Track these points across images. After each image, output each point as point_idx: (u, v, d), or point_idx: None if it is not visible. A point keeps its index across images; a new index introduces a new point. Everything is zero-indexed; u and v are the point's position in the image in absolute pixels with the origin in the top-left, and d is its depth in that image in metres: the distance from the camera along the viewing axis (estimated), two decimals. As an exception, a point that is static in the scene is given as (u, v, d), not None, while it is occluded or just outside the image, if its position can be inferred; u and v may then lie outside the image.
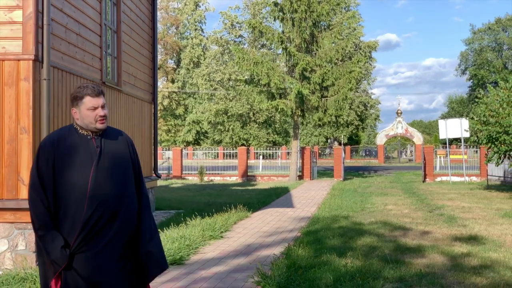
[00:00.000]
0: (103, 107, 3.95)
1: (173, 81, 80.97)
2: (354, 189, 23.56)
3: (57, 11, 8.91)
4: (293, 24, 29.64)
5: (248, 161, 33.97)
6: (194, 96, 78.34)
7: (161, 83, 79.09)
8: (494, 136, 19.07)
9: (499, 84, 20.77)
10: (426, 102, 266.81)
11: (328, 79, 28.93)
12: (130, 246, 3.95)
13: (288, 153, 37.07)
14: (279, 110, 29.91)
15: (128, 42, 13.32)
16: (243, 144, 67.25)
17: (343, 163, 32.81)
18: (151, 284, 4.20)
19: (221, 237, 11.20)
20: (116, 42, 12.57)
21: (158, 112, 63.80)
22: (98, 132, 3.96)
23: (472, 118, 22.08)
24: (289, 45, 29.58)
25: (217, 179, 33.11)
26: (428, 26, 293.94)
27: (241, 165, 32.90)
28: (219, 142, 72.06)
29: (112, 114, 11.98)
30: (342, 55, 30.60)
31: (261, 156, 39.31)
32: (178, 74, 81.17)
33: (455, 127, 28.95)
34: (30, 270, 7.48)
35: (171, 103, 78.10)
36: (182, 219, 12.64)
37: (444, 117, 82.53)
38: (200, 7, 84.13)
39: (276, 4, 30.08)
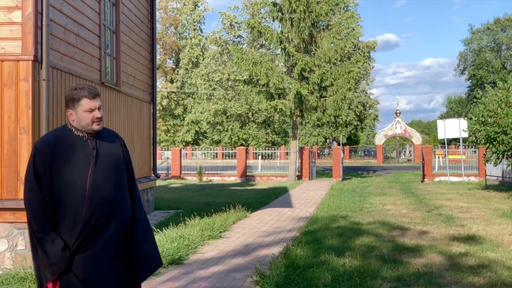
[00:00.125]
0: (99, 108, 3.98)
1: (172, 81, 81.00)
2: (353, 189, 23.60)
3: (56, 12, 8.94)
4: (292, 24, 29.67)
5: (247, 161, 34.01)
6: (193, 96, 78.38)
7: (160, 83, 79.11)
8: (492, 136, 19.11)
9: (497, 85, 20.81)
10: (425, 102, 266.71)
11: (327, 79, 28.95)
12: (124, 246, 4.00)
13: (287, 153, 37.11)
14: (278, 110, 29.94)
15: (127, 43, 13.35)
16: (242, 144, 67.29)
17: (342, 163, 32.85)
18: (146, 283, 4.23)
19: (220, 237, 11.23)
20: (115, 43, 12.60)
21: (157, 112, 64.02)
22: (93, 133, 4.00)
23: (471, 119, 22.11)
24: (288, 45, 29.61)
25: (216, 179, 33.14)
26: (427, 26, 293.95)
27: (240, 165, 32.92)
28: (218, 142, 72.10)
29: (111, 114, 12.02)
30: (341, 55, 30.60)
31: (260, 156, 39.36)
32: (177, 74, 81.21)
33: (454, 127, 28.98)
34: (29, 269, 7.50)
35: (170, 103, 78.13)
36: (181, 219, 12.66)
37: (443, 117, 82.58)
38: (199, 7, 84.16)
39: (275, 4, 30.11)
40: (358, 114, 76.33)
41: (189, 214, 13.38)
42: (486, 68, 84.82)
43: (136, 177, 13.93)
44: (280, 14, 30.08)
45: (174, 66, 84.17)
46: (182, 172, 33.95)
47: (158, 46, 72.70)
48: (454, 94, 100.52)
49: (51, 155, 3.82)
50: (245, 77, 33.09)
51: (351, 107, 71.91)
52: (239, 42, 69.57)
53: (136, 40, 14.19)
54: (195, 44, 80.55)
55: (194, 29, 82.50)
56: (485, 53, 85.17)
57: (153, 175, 15.89)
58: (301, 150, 32.25)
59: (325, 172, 38.33)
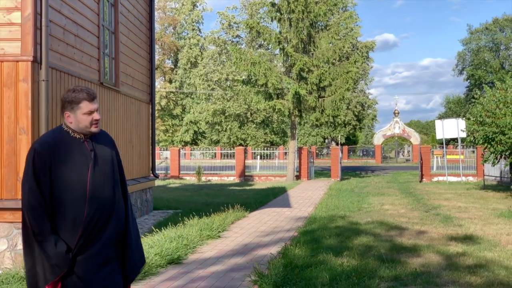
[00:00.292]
0: (97, 111, 4.01)
1: (170, 81, 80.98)
2: (351, 189, 23.64)
3: (55, 13, 8.97)
4: (290, 25, 29.70)
5: (246, 161, 34.02)
6: (192, 96, 78.38)
7: (159, 83, 79.10)
8: (490, 137, 19.14)
9: (495, 85, 20.86)
10: (423, 102, 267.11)
11: (325, 80, 28.98)
12: (117, 247, 4.06)
13: (286, 153, 37.14)
14: (276, 110, 29.98)
15: (126, 43, 13.38)
16: (240, 144, 67.31)
17: (340, 163, 32.89)
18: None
19: (219, 236, 11.27)
20: (113, 43, 12.63)
21: (156, 112, 64.04)
22: (89, 135, 4.03)
23: (469, 119, 22.15)
24: (286, 45, 29.64)
25: (215, 179, 33.16)
26: (426, 26, 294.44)
27: (238, 165, 32.95)
28: (216, 142, 72.11)
29: (110, 114, 12.05)
30: (339, 55, 30.61)
31: (258, 156, 39.39)
32: (176, 74, 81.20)
33: (452, 127, 29.02)
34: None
35: (168, 103, 78.13)
36: (179, 219, 12.69)
37: (441, 117, 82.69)
38: (197, 7, 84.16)
39: (273, 4, 30.14)
40: (356, 114, 76.37)
41: (187, 214, 13.40)
42: (484, 68, 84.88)
43: (135, 177, 14.07)
44: (278, 14, 30.10)
45: (172, 66, 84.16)
46: (181, 172, 33.97)
47: (156, 46, 72.55)
48: (452, 94, 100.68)
49: (51, 156, 3.82)
50: (243, 77, 33.12)
51: (349, 107, 71.95)
52: (237, 42, 69.52)
53: (134, 41, 14.22)
54: (194, 44, 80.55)
55: (193, 29, 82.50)
56: (484, 53, 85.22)
57: (151, 175, 15.93)
58: (299, 150, 32.27)
59: (323, 172, 38.36)
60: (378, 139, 66.89)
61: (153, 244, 9.32)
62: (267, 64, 29.41)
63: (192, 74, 76.87)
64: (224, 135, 71.56)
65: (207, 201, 18.17)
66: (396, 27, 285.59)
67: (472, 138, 21.02)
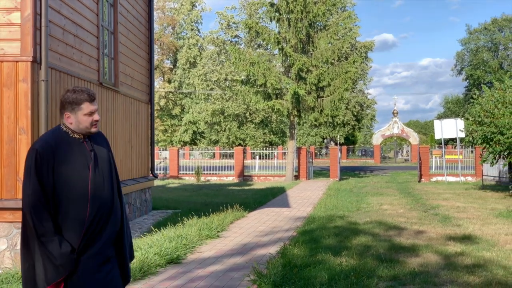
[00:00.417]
0: (96, 111, 4.05)
1: (169, 81, 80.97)
2: (350, 189, 23.66)
3: (55, 13, 9.00)
4: (289, 25, 29.72)
5: (245, 161, 34.02)
6: (191, 96, 78.38)
7: (158, 83, 79.08)
8: (489, 137, 19.17)
9: (494, 85, 20.89)
10: (422, 102, 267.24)
11: (324, 80, 29.01)
12: (114, 246, 4.11)
13: (285, 153, 37.16)
14: (275, 110, 30.01)
15: (125, 43, 13.40)
16: (239, 144, 67.31)
17: (339, 163, 32.91)
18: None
19: (218, 236, 11.29)
20: (113, 43, 12.65)
21: (155, 112, 64.00)
22: (87, 135, 4.06)
23: (468, 119, 22.18)
24: (285, 45, 29.67)
25: (214, 179, 33.18)
26: (425, 26, 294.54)
27: (237, 165, 32.97)
28: (215, 142, 72.12)
29: (109, 114, 12.07)
30: (338, 55, 30.63)
31: (257, 156, 39.38)
32: (175, 74, 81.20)
33: (451, 128, 29.06)
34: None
35: (167, 103, 78.13)
36: (179, 218, 12.71)
37: (440, 117, 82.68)
38: (196, 7, 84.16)
39: (272, 4, 30.16)
40: (355, 114, 76.39)
41: (187, 214, 13.43)
42: (483, 68, 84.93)
43: (134, 177, 14.08)
44: (277, 14, 30.12)
45: (171, 66, 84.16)
46: (180, 172, 33.98)
47: (155, 46, 72.66)
48: (451, 94, 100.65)
49: (53, 157, 3.83)
50: (242, 77, 33.13)
51: (348, 107, 71.96)
52: (236, 42, 69.52)
53: (134, 41, 14.24)
54: (193, 44, 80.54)
55: (192, 29, 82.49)
56: (482, 53, 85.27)
57: (151, 175, 15.95)
58: (298, 150, 32.29)
59: (322, 172, 38.39)
60: (377, 139, 66.91)
61: (153, 244, 9.35)
62: (266, 64, 29.44)
63: (191, 74, 76.89)
64: (223, 135, 71.57)
65: (206, 201, 18.19)
66: (395, 27, 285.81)
67: (470, 138, 21.05)
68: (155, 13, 69.96)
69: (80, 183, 3.87)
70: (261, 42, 38.25)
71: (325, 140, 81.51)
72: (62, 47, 9.30)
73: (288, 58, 29.46)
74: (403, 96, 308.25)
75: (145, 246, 9.21)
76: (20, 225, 8.17)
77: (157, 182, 26.61)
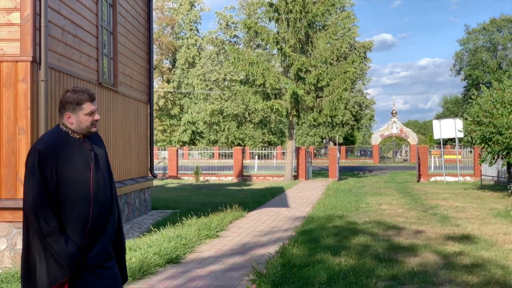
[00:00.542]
0: (96, 110, 4.09)
1: (168, 81, 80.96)
2: (349, 189, 23.68)
3: (54, 13, 9.01)
4: (288, 25, 29.74)
5: (244, 161, 34.05)
6: (190, 96, 78.37)
7: (157, 83, 79.05)
8: (487, 137, 19.19)
9: (493, 85, 20.91)
10: (421, 102, 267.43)
11: (323, 80, 29.03)
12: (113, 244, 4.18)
13: (283, 153, 37.20)
14: (274, 110, 30.02)
15: (124, 43, 13.42)
16: (238, 144, 67.31)
17: (338, 163, 32.94)
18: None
19: (217, 236, 11.31)
20: (112, 43, 12.67)
21: (154, 112, 63.91)
22: (87, 135, 4.08)
23: (466, 119, 22.21)
24: (284, 45, 29.69)
25: (213, 179, 33.20)
26: (424, 26, 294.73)
27: (236, 165, 32.99)
28: (214, 142, 72.11)
29: (108, 114, 12.09)
30: (337, 55, 30.65)
31: (256, 156, 39.41)
32: (174, 74, 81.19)
33: (449, 128, 29.10)
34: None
35: (166, 103, 78.11)
36: (178, 218, 12.74)
37: (439, 117, 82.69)
38: (195, 7, 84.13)
39: (271, 4, 30.16)
40: (354, 114, 76.42)
41: (186, 214, 13.45)
42: (482, 68, 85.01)
43: (133, 177, 14.10)
44: (276, 14, 30.14)
45: (170, 66, 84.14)
46: (179, 172, 33.99)
47: (154, 46, 72.67)
48: (450, 94, 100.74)
49: (56, 157, 3.84)
50: (241, 77, 33.14)
51: (347, 107, 71.97)
52: (235, 42, 69.59)
53: (133, 41, 14.25)
54: (192, 44, 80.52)
55: (191, 29, 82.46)
56: (481, 53, 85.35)
57: (150, 175, 15.97)
58: (297, 150, 32.31)
59: (321, 172, 38.41)
60: (376, 139, 66.93)
61: (152, 244, 9.36)
62: (265, 64, 29.45)
63: (190, 74, 76.88)
64: (222, 135, 71.57)
65: (205, 201, 18.20)
66: (394, 27, 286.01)
67: (469, 138, 21.07)
68: (154, 13, 69.99)
69: (83, 183, 3.89)
70: (260, 42, 38.30)
71: (324, 140, 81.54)
72: (62, 47, 9.32)
73: (287, 58, 29.49)
74: (402, 96, 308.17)
75: (145, 245, 9.22)
76: (19, 225, 8.23)
77: (156, 182, 26.63)
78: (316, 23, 30.73)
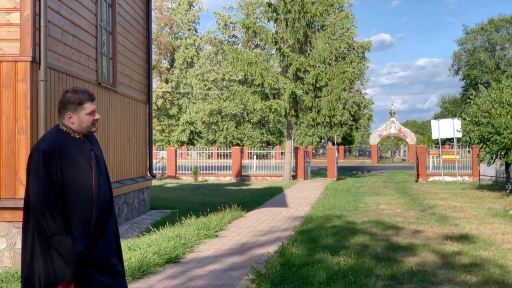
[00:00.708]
0: (96, 110, 4.12)
1: (167, 81, 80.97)
2: (348, 189, 23.70)
3: (54, 13, 9.02)
4: (286, 25, 29.76)
5: (242, 161, 34.07)
6: (188, 96, 78.37)
7: (155, 83, 79.05)
8: (486, 137, 19.22)
9: (491, 85, 20.93)
10: (419, 102, 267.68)
11: (322, 80, 29.05)
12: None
13: (282, 153, 37.21)
14: (273, 110, 30.02)
15: (123, 43, 13.43)
16: (237, 144, 67.30)
17: (337, 163, 32.95)
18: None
19: (216, 236, 11.33)
20: (111, 43, 12.68)
21: (152, 112, 63.72)
22: (87, 134, 4.12)
23: (465, 119, 22.24)
24: (282, 45, 29.69)
25: (211, 179, 33.21)
26: (422, 27, 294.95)
27: (235, 165, 33.00)
28: (213, 142, 72.10)
29: (107, 114, 12.10)
30: (335, 55, 30.71)
31: (255, 156, 39.41)
32: (172, 74, 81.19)
33: (448, 128, 29.13)
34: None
35: (165, 103, 78.12)
36: (177, 218, 12.76)
37: (437, 117, 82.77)
38: (194, 7, 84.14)
39: (269, 4, 30.18)
40: (352, 114, 76.44)
41: (185, 214, 13.47)
42: (480, 68, 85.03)
43: (132, 176, 14.12)
44: (275, 14, 30.16)
45: (169, 66, 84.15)
46: (178, 172, 34.00)
47: (153, 46, 72.59)
48: (448, 94, 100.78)
49: (60, 157, 3.88)
50: (240, 77, 33.15)
51: (345, 107, 71.98)
52: (234, 42, 69.55)
53: (132, 41, 14.26)
54: (190, 44, 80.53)
55: (189, 29, 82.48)
56: (479, 53, 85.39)
57: (149, 175, 15.98)
58: (296, 150, 32.33)
59: (320, 172, 38.43)
60: (374, 139, 66.99)
61: (151, 243, 9.38)
62: (264, 64, 29.47)
63: (189, 74, 76.87)
64: (221, 135, 71.57)
65: (204, 201, 18.22)
66: (392, 27, 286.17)
67: (467, 138, 21.10)
68: (152, 13, 69.91)
69: (86, 183, 3.94)
70: (259, 42, 38.27)
71: (322, 140, 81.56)
72: (61, 47, 9.33)
73: (286, 58, 29.50)
74: (400, 96, 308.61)
75: (144, 245, 9.24)
76: (19, 224, 8.24)
77: (154, 182, 26.64)
78: (315, 23, 30.73)
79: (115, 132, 12.70)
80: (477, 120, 19.92)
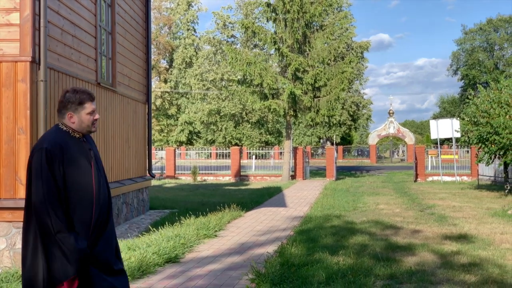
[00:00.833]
0: (96, 110, 4.17)
1: (165, 81, 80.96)
2: (346, 189, 23.72)
3: (54, 14, 9.04)
4: (285, 25, 29.78)
5: (241, 161, 34.10)
6: (187, 96, 78.36)
7: (154, 83, 79.03)
8: (484, 137, 19.25)
9: (490, 85, 20.97)
10: (418, 102, 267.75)
11: (321, 80, 29.07)
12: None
13: (281, 153, 37.23)
14: (271, 110, 30.04)
15: (123, 43, 13.44)
16: (236, 144, 67.31)
17: (336, 163, 32.98)
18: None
19: (215, 236, 11.34)
20: (110, 43, 12.69)
21: (151, 112, 63.60)
22: (86, 134, 4.15)
23: (463, 119, 22.27)
24: (281, 45, 29.70)
25: (210, 179, 33.23)
26: (421, 27, 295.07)
27: (234, 165, 33.02)
28: (212, 142, 72.10)
29: (107, 114, 12.11)
30: (334, 55, 30.71)
31: (254, 156, 39.44)
32: (171, 74, 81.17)
33: (446, 127, 29.17)
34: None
35: (163, 103, 78.10)
36: (176, 218, 12.77)
37: (436, 117, 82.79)
38: (192, 7, 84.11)
39: (268, 4, 30.18)
40: (351, 114, 76.47)
41: (184, 214, 13.49)
42: (478, 68, 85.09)
43: (131, 176, 14.13)
44: (274, 14, 30.17)
45: (167, 66, 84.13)
46: (176, 172, 34.02)
47: (152, 46, 72.62)
48: (447, 94, 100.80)
49: (63, 156, 3.91)
50: (239, 77, 33.16)
51: (344, 107, 72.01)
52: (232, 42, 69.56)
53: (131, 41, 14.28)
54: (189, 44, 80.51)
55: (188, 29, 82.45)
56: (478, 53, 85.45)
57: (148, 175, 15.99)
58: (294, 150, 32.35)
59: (318, 172, 38.46)
60: (373, 139, 67.01)
61: (151, 243, 9.39)
62: (263, 64, 29.48)
63: (187, 74, 76.86)
64: (219, 135, 71.56)
65: (203, 201, 18.23)
66: (391, 27, 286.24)
67: (466, 138, 21.13)
68: (151, 13, 69.83)
69: (86, 181, 3.97)
70: (258, 42, 38.28)
71: (321, 140, 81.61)
72: (61, 48, 9.35)
73: (285, 58, 29.51)
74: (399, 96, 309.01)
75: (144, 245, 9.26)
76: (19, 224, 8.26)
77: (153, 182, 26.64)
78: (314, 23, 30.75)
79: (115, 132, 12.71)
80: (475, 120, 19.94)
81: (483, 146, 19.72)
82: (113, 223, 4.25)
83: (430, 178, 31.01)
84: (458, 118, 28.22)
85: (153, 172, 16.79)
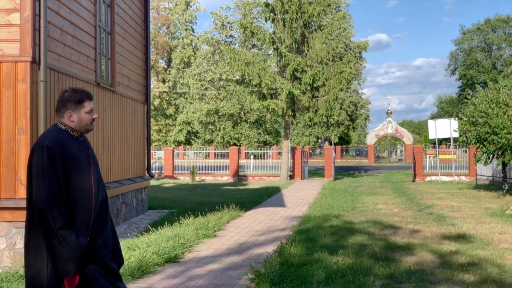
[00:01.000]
0: (94, 109, 4.22)
1: (164, 81, 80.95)
2: (345, 189, 23.75)
3: (53, 14, 9.06)
4: (284, 25, 29.79)
5: (239, 161, 34.09)
6: (185, 96, 78.35)
7: (152, 83, 79.00)
8: (482, 137, 19.28)
9: (488, 85, 21.00)
10: (416, 102, 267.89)
11: (319, 80, 29.09)
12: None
13: (279, 153, 37.23)
14: (270, 110, 30.07)
15: (122, 44, 13.46)
16: (234, 144, 67.31)
17: (334, 163, 33.01)
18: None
19: (215, 235, 11.36)
20: (110, 44, 12.71)
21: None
22: (83, 133, 4.20)
23: (461, 119, 22.30)
24: (280, 45, 29.72)
25: (209, 179, 33.23)
26: (419, 27, 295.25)
27: (232, 165, 33.03)
28: (210, 142, 72.08)
29: (106, 114, 12.13)
30: (332, 55, 30.71)
31: (252, 156, 39.45)
32: (169, 74, 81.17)
33: (445, 127, 29.20)
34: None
35: (162, 103, 78.10)
36: (175, 218, 12.78)
37: (434, 117, 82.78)
38: (191, 7, 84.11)
39: (267, 4, 30.19)
40: (349, 114, 76.48)
41: (183, 214, 13.50)
42: (476, 68, 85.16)
43: (130, 176, 14.13)
44: (272, 14, 30.17)
45: (166, 66, 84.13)
46: (175, 172, 34.03)
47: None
48: (445, 94, 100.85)
49: (63, 153, 3.95)
50: (237, 77, 33.18)
51: (342, 107, 72.03)
52: (231, 42, 69.50)
53: (130, 41, 14.29)
54: (187, 44, 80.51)
55: (186, 29, 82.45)
56: (476, 53, 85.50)
57: (147, 174, 16.01)
58: (293, 150, 32.37)
59: (317, 172, 38.48)
60: (371, 139, 67.08)
61: (150, 243, 9.41)
62: (261, 64, 29.49)
63: (186, 74, 76.83)
64: (218, 135, 71.54)
65: (201, 201, 18.24)
66: (389, 27, 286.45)
67: (464, 138, 21.15)
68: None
69: (86, 179, 4.01)
70: (256, 42, 38.24)
71: (319, 140, 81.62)
72: (61, 48, 9.37)
73: (283, 58, 29.53)
74: (397, 96, 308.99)
75: (143, 245, 9.27)
76: (19, 224, 8.28)
77: (152, 182, 26.65)
78: (312, 23, 30.77)
79: (114, 132, 12.73)
80: (474, 120, 19.97)
81: (481, 146, 19.75)
82: (112, 222, 4.29)
83: (428, 178, 31.06)
84: (456, 118, 28.23)
85: (151, 172, 16.80)
